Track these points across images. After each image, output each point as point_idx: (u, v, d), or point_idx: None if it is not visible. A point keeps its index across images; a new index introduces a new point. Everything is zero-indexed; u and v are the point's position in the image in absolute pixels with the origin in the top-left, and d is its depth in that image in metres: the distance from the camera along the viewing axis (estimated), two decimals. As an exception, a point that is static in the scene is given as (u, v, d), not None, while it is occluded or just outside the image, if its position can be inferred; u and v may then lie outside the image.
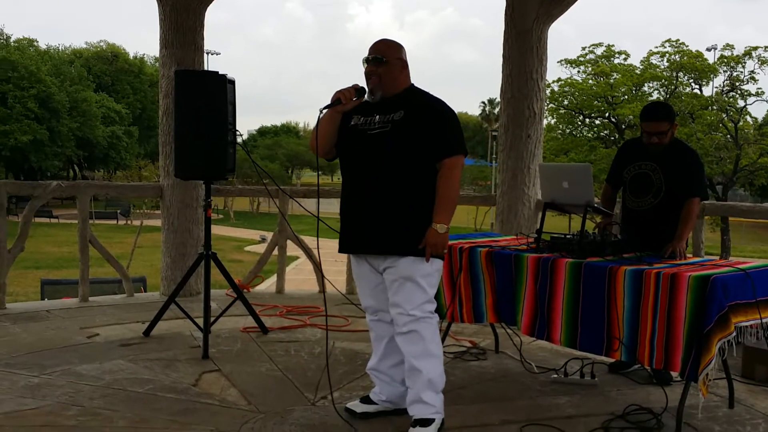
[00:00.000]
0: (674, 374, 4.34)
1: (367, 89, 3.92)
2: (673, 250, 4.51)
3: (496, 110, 68.90)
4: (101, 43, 59.70)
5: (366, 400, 4.17)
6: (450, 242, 4.25)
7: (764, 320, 4.05)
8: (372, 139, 3.87)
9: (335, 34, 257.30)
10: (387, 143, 3.81)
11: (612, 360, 4.84)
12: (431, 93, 4.00)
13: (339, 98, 3.86)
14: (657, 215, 4.75)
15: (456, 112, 3.98)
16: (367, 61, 3.92)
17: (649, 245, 4.60)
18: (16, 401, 4.21)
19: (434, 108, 3.89)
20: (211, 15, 7.36)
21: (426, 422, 3.79)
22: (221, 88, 5.26)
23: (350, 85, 3.92)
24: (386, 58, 3.89)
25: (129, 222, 40.15)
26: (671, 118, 4.77)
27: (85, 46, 59.90)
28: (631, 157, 4.94)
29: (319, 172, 4.21)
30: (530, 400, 4.47)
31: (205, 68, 8.35)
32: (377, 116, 3.91)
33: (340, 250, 4.07)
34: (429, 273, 3.85)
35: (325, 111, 3.89)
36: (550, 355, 5.41)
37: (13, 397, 4.28)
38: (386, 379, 4.11)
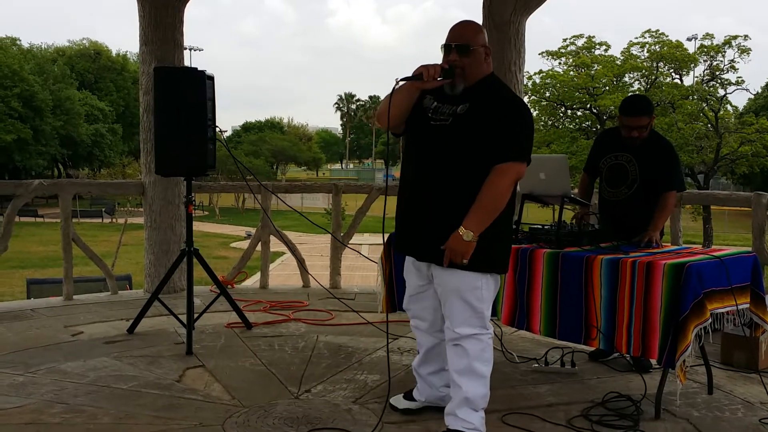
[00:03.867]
0: (653, 362, 4.39)
1: (454, 73, 3.43)
2: (649, 239, 4.57)
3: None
4: (84, 41, 59.44)
5: (409, 396, 3.98)
6: None
7: (740, 306, 4.12)
8: (432, 131, 3.46)
9: (316, 29, 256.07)
10: (444, 139, 3.41)
11: (591, 348, 4.90)
12: (509, 89, 3.56)
13: (421, 73, 3.37)
14: (631, 205, 4.81)
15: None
16: (448, 49, 3.44)
17: (625, 235, 4.64)
18: (1, 399, 4.21)
19: (501, 107, 3.41)
20: (190, 11, 7.37)
21: None
22: (200, 84, 5.26)
23: (439, 63, 3.45)
24: (473, 45, 3.42)
25: (114, 220, 39.97)
26: (651, 112, 4.80)
27: (67, 44, 59.64)
28: (607, 148, 4.99)
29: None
30: (511, 389, 4.52)
31: (187, 65, 8.35)
32: (444, 105, 3.47)
33: (393, 247, 3.77)
34: (476, 287, 3.47)
35: (402, 83, 3.42)
36: (531, 344, 5.46)
37: (-3, 396, 4.29)
38: (426, 384, 3.92)
